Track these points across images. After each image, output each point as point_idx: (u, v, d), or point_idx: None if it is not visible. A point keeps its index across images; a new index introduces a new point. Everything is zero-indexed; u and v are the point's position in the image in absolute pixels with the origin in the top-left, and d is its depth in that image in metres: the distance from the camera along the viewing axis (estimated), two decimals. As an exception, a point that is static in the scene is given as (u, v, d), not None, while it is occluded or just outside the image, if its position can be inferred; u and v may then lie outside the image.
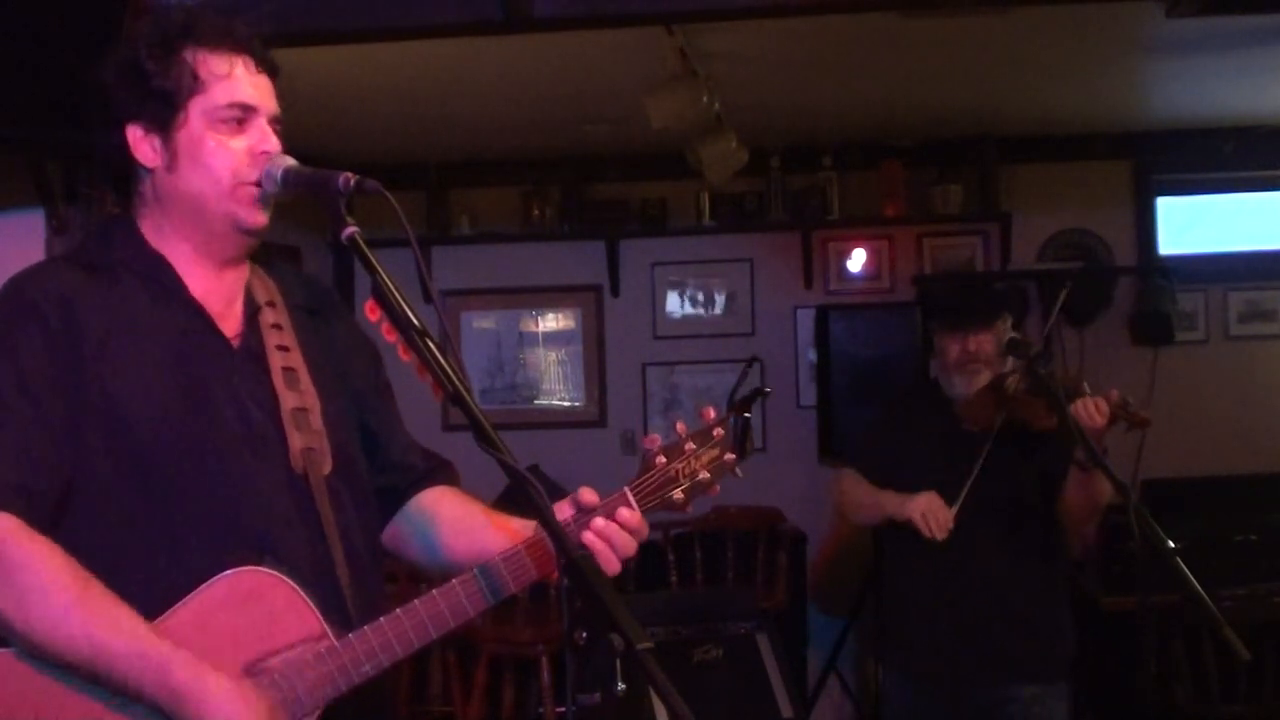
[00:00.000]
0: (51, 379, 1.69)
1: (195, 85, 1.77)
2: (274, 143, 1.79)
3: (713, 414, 1.86)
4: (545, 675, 4.51)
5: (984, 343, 3.34)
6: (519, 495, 1.58)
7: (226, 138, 1.77)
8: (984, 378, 3.35)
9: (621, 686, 1.43)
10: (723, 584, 5.53)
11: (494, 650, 4.62)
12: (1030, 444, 3.29)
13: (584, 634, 1.53)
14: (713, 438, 1.84)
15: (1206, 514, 5.16)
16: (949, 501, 3.25)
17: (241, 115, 1.78)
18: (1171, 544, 2.57)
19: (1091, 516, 3.29)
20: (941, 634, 3.37)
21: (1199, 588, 2.52)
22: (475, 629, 4.62)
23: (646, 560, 5.58)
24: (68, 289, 1.74)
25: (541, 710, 4.56)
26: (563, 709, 4.48)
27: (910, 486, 3.33)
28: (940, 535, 3.21)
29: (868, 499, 3.44)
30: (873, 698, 5.22)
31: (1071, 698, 3.45)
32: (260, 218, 1.80)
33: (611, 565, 1.76)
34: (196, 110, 1.77)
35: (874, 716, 5.03)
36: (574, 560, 1.51)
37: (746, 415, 1.86)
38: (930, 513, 3.23)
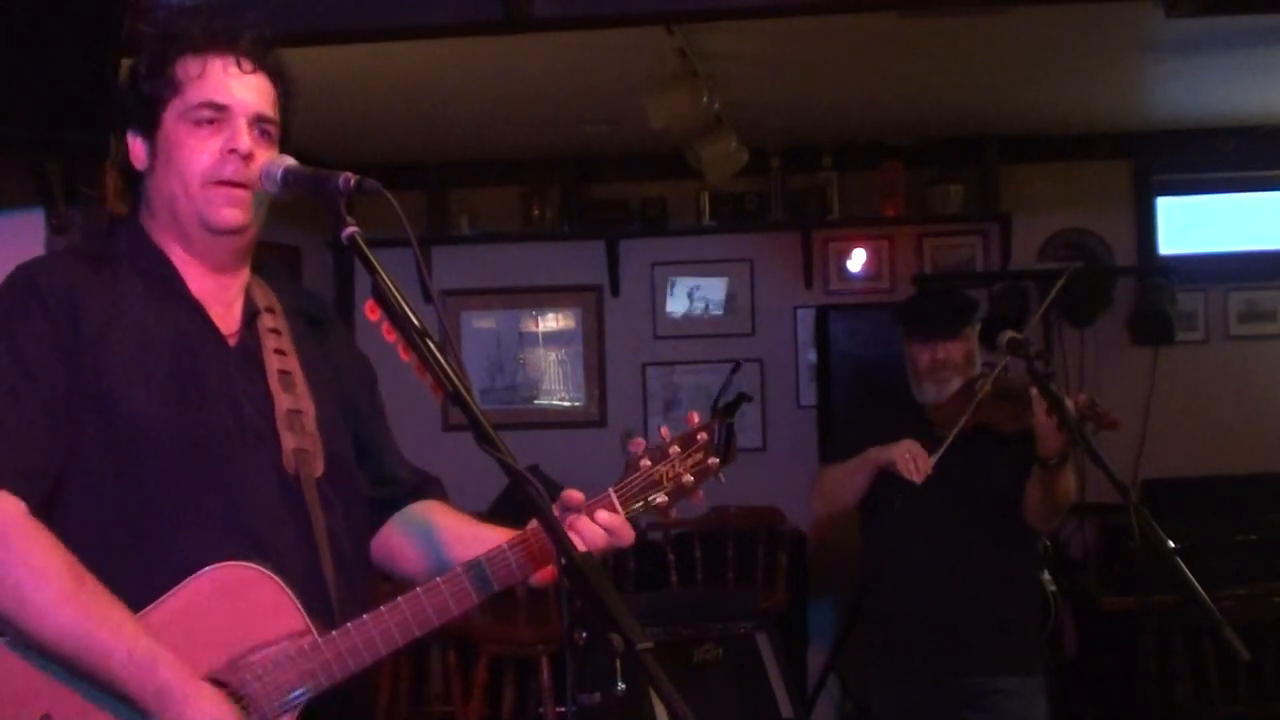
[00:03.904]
0: (51, 366, 1.71)
1: (172, 89, 1.79)
2: (244, 142, 1.78)
3: (697, 419, 1.88)
4: (545, 675, 4.50)
5: (953, 351, 3.43)
6: (519, 495, 1.58)
7: (200, 137, 1.78)
8: (954, 384, 3.42)
9: (621, 686, 1.43)
10: (723, 584, 5.52)
11: (494, 650, 4.62)
12: (999, 444, 3.34)
13: (584, 634, 1.54)
14: (696, 442, 1.85)
15: (1206, 514, 5.17)
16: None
17: (214, 115, 1.78)
18: (1171, 544, 2.57)
19: (1053, 515, 3.37)
20: (916, 628, 3.45)
21: (1199, 588, 2.52)
22: (475, 629, 4.62)
23: (646, 560, 5.58)
24: (71, 279, 1.76)
25: (541, 710, 4.56)
26: (563, 709, 4.47)
27: (884, 490, 3.41)
28: (919, 478, 3.27)
29: (850, 467, 3.49)
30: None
31: (1049, 691, 3.51)
32: (229, 216, 1.79)
33: None
34: (173, 113, 1.79)
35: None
36: (574, 560, 1.51)
37: (730, 421, 1.89)
38: (912, 454, 3.30)
